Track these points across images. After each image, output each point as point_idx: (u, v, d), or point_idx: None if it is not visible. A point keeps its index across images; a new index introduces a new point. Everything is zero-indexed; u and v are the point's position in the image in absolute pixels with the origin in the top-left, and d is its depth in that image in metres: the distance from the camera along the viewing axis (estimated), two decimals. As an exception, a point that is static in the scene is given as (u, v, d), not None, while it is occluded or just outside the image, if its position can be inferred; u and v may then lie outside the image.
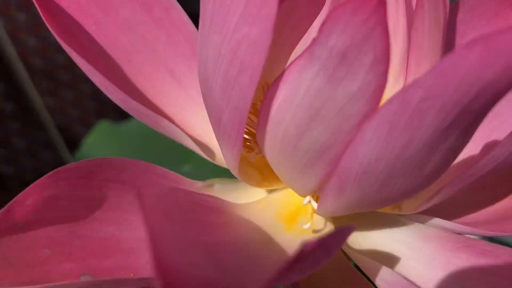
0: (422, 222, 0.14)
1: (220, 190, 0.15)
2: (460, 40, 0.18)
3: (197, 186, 0.14)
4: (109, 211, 0.13)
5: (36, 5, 0.14)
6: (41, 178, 0.11)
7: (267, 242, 0.13)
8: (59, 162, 0.70)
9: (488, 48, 0.08)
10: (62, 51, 0.14)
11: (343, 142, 0.10)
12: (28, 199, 0.11)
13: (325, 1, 0.14)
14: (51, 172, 0.11)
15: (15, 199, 0.11)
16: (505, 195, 0.15)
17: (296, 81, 0.10)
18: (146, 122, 0.15)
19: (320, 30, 0.09)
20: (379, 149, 0.09)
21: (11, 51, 0.60)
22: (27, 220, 0.11)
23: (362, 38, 0.09)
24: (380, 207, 0.13)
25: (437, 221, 0.13)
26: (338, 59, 0.09)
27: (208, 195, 0.12)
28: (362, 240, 0.14)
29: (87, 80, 0.15)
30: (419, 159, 0.10)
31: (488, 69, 0.08)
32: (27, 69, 0.63)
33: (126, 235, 0.13)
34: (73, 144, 0.64)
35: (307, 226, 0.13)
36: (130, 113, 0.15)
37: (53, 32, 0.14)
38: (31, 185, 0.11)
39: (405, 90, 0.09)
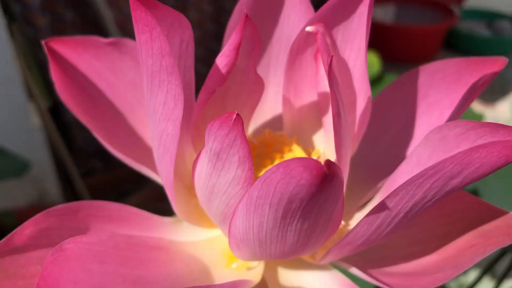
0: (345, 268, 0.16)
1: (187, 227, 0.18)
2: (423, 100, 0.19)
3: (165, 221, 0.18)
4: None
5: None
6: (37, 215, 0.16)
7: (205, 275, 0.16)
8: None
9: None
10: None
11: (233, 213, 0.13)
12: (26, 230, 0.15)
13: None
14: (44, 211, 0.16)
15: (15, 230, 0.15)
16: (434, 250, 0.17)
17: (200, 164, 0.13)
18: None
19: (206, 134, 0.12)
20: (245, 223, 0.12)
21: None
22: (24, 245, 0.16)
23: (228, 145, 0.12)
24: (284, 259, 0.16)
25: (353, 269, 0.15)
26: (216, 156, 0.12)
27: (151, 237, 0.16)
28: (293, 278, 0.17)
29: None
30: (275, 233, 0.12)
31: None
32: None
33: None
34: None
35: (234, 265, 0.16)
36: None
37: (64, 98, 0.18)
38: (28, 220, 0.15)
39: (253, 187, 0.11)
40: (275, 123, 0.19)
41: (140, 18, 0.13)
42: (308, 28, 0.15)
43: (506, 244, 0.14)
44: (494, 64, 0.17)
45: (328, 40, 0.15)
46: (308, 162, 0.10)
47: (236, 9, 0.17)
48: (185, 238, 0.16)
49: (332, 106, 0.14)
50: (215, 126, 0.11)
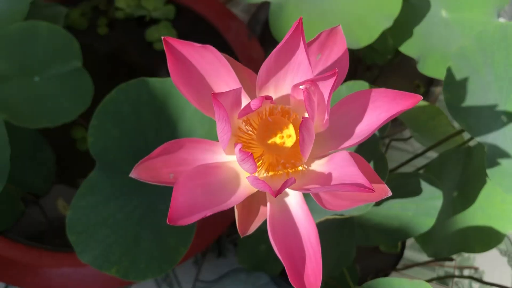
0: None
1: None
2: (368, 105, 0.32)
3: (221, 150, 0.34)
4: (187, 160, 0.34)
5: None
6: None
7: (237, 177, 0.33)
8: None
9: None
10: None
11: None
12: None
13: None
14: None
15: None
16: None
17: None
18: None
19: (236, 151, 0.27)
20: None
21: None
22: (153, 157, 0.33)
23: (245, 160, 0.27)
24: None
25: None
26: (240, 159, 0.28)
27: (215, 162, 0.32)
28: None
29: None
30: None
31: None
32: None
33: (187, 161, 0.34)
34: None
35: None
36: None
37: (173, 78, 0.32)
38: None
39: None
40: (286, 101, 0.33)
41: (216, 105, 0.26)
42: (301, 87, 0.28)
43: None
44: (414, 99, 0.29)
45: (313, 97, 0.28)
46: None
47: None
48: (229, 159, 0.33)
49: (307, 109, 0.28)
50: (243, 153, 0.26)
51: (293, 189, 0.30)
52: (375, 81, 1.06)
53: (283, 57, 0.29)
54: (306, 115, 0.29)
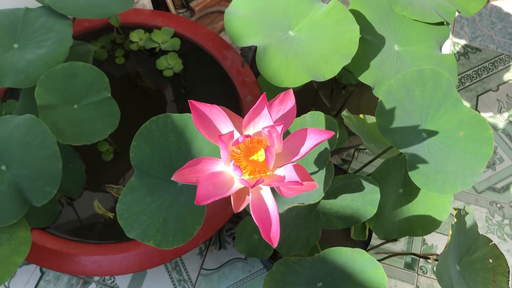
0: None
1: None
2: (307, 137, 0.58)
3: (222, 163, 0.60)
4: (203, 170, 0.60)
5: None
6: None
7: (231, 181, 0.59)
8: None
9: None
10: None
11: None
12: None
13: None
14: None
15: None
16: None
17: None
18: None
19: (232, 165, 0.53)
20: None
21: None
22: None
23: (237, 170, 0.53)
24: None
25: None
26: (234, 167, 0.53)
27: (218, 171, 0.58)
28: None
29: None
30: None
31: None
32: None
33: (203, 170, 0.60)
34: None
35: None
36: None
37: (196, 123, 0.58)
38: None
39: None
40: (260, 135, 0.59)
41: (220, 142, 0.53)
42: (266, 129, 0.54)
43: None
44: (330, 133, 0.55)
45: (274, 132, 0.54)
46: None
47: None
48: (227, 169, 0.59)
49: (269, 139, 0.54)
50: (235, 166, 0.52)
51: (264, 185, 0.56)
52: (349, 98, 1.32)
53: (256, 112, 0.55)
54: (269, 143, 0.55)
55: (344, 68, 1.30)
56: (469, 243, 0.85)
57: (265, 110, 0.54)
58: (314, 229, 0.84)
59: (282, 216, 0.82)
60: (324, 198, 0.83)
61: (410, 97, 0.80)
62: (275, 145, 0.54)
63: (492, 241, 0.86)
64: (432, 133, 0.80)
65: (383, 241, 0.97)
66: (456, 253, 0.83)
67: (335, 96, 1.42)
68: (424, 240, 1.34)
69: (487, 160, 0.78)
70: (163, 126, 0.73)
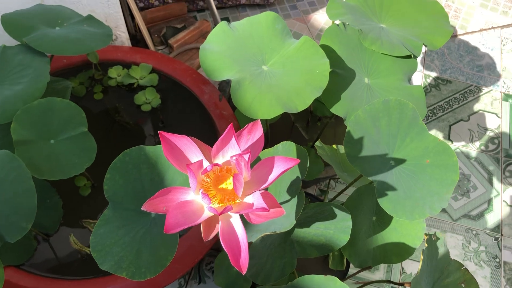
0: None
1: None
2: (274, 165, 0.60)
3: (192, 192, 0.62)
4: (173, 199, 0.61)
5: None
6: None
7: (201, 209, 0.60)
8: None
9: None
10: None
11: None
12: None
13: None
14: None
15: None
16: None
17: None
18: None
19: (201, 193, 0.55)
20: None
21: None
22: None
23: (206, 197, 0.55)
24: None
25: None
26: (203, 195, 0.55)
27: (189, 200, 0.59)
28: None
29: None
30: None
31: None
32: None
33: (173, 199, 0.61)
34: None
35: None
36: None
37: (165, 153, 0.60)
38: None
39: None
40: (229, 163, 0.61)
41: (189, 171, 0.55)
42: (233, 158, 0.56)
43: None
44: (296, 161, 0.57)
45: (241, 161, 0.56)
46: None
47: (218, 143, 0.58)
48: (197, 197, 0.60)
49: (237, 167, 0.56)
50: (203, 194, 0.54)
51: (233, 213, 0.57)
52: (325, 130, 1.36)
53: (225, 142, 0.57)
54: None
55: (318, 101, 1.34)
56: (441, 268, 0.87)
57: (233, 139, 0.56)
58: (289, 258, 0.85)
59: (256, 245, 0.83)
60: (297, 226, 0.85)
61: (377, 127, 0.83)
62: (243, 173, 0.56)
63: (464, 266, 0.88)
64: (399, 161, 0.83)
65: (360, 270, 0.98)
66: (429, 278, 0.85)
67: (311, 128, 1.46)
68: (403, 268, 1.35)
69: (453, 186, 0.81)
70: (136, 158, 0.75)
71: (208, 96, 1.29)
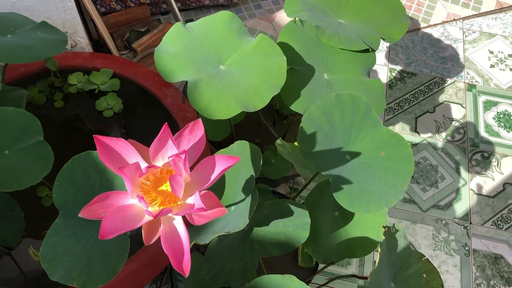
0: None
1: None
2: (216, 163, 0.59)
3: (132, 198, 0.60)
4: (113, 204, 0.59)
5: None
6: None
7: (142, 213, 0.58)
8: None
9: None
10: None
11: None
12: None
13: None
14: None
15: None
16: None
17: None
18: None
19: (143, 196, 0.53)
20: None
21: None
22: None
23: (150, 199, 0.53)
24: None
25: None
26: (139, 198, 0.53)
27: (129, 204, 0.58)
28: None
29: None
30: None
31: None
32: None
33: (113, 204, 0.59)
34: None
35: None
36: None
37: (101, 157, 0.58)
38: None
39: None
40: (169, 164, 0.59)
41: (122, 174, 0.53)
42: (170, 158, 0.54)
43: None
44: (237, 159, 0.56)
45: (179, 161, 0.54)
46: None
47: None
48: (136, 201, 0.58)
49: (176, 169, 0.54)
50: (139, 197, 0.52)
51: (175, 214, 0.56)
52: (291, 127, 1.34)
53: (162, 142, 0.56)
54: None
55: (280, 100, 1.33)
56: (402, 260, 0.86)
57: (170, 140, 0.54)
58: (249, 258, 0.83)
59: (213, 247, 0.81)
60: (256, 225, 0.83)
61: (331, 122, 0.82)
62: (182, 174, 0.54)
63: (425, 256, 0.87)
64: (355, 155, 0.82)
65: (325, 266, 0.97)
66: (390, 270, 0.84)
67: (278, 126, 1.44)
68: (375, 262, 1.35)
69: (409, 178, 0.80)
70: (85, 164, 0.73)
71: (171, 99, 1.27)
